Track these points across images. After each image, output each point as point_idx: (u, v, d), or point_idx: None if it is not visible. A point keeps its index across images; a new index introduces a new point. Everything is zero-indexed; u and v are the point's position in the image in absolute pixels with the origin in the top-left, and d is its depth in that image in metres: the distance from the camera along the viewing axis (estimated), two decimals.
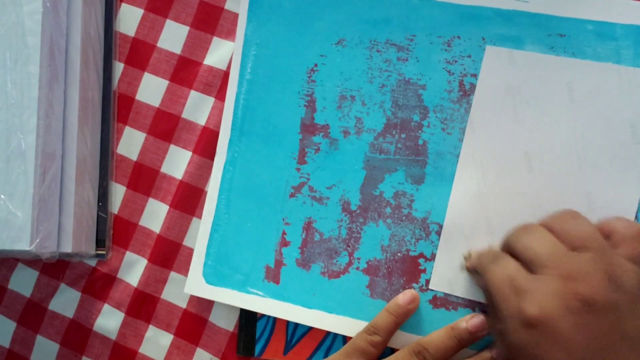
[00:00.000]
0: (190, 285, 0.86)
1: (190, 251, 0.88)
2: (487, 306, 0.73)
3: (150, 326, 0.89)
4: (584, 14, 0.77)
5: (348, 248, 0.81)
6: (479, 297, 0.77)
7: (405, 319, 0.78)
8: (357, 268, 0.81)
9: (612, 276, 0.63)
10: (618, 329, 0.62)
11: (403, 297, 0.78)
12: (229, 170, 0.86)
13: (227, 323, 0.87)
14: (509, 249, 0.71)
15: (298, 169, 0.83)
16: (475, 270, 0.74)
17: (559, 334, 0.63)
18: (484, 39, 0.79)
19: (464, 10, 0.80)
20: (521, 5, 0.79)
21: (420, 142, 0.80)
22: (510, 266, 0.69)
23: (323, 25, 0.84)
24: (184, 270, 0.88)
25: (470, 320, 0.75)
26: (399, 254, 0.80)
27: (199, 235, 0.86)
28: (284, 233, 0.83)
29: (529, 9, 0.78)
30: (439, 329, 0.76)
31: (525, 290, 0.65)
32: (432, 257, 0.79)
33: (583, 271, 0.64)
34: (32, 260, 0.92)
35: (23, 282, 0.93)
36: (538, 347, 0.64)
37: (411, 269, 0.79)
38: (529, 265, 0.67)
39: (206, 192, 0.88)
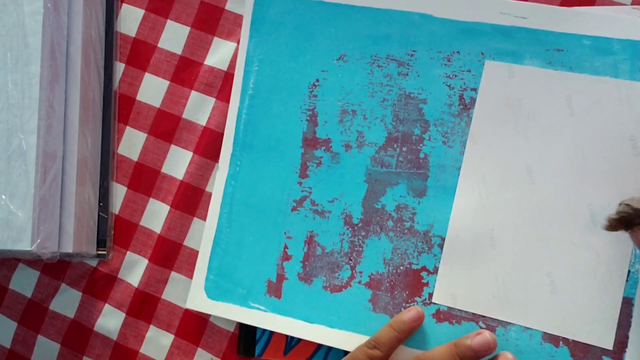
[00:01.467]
0: (192, 300, 0.86)
1: (191, 251, 0.88)
2: None
3: (151, 326, 0.89)
4: (580, 30, 0.77)
5: (350, 262, 0.81)
6: (484, 311, 0.77)
7: (408, 336, 0.78)
8: (360, 282, 0.81)
9: None
10: None
11: (408, 314, 0.77)
12: (231, 184, 0.86)
13: (227, 323, 0.87)
14: None
15: (300, 183, 0.83)
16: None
17: None
18: (483, 53, 0.79)
19: (463, 26, 0.80)
20: (519, 21, 0.78)
21: (422, 155, 0.80)
22: None
23: (324, 41, 0.84)
24: (185, 270, 0.88)
25: (475, 338, 0.73)
26: (401, 268, 0.80)
27: (201, 249, 0.86)
28: (285, 247, 0.83)
29: (527, 24, 0.78)
30: (441, 345, 0.75)
31: None
32: (435, 271, 0.79)
33: None
34: (33, 261, 0.93)
35: (24, 282, 0.93)
36: None
37: (414, 282, 0.79)
38: None
39: (207, 193, 0.88)
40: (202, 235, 0.87)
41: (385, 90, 0.82)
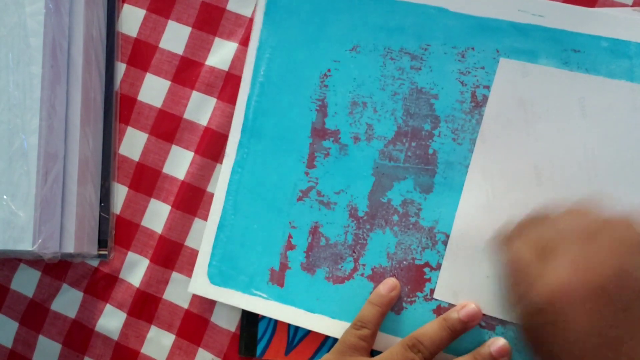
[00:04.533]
0: (194, 284, 0.86)
1: (192, 251, 0.88)
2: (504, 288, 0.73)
3: (152, 326, 0.89)
4: (598, 31, 0.76)
5: (353, 254, 0.81)
6: (484, 309, 0.77)
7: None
8: (362, 274, 0.81)
9: (623, 266, 0.62)
10: (632, 319, 0.61)
11: (384, 287, 0.79)
12: (237, 171, 0.86)
13: (228, 323, 0.87)
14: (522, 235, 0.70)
15: (307, 173, 0.83)
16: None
17: (570, 319, 0.62)
18: (498, 51, 0.79)
19: (479, 22, 0.80)
20: (537, 19, 0.78)
21: (430, 151, 0.80)
22: (523, 251, 0.68)
23: (338, 31, 0.84)
24: (186, 270, 0.88)
25: (461, 311, 0.75)
26: (404, 262, 0.80)
27: (205, 235, 0.86)
28: (290, 236, 0.83)
29: (544, 23, 0.78)
30: (431, 321, 0.76)
31: (536, 276, 0.64)
32: (438, 267, 0.79)
33: (597, 260, 0.63)
34: (34, 261, 0.92)
35: (25, 282, 0.93)
36: (546, 331, 0.63)
37: (416, 277, 0.79)
38: (542, 252, 0.66)
39: (208, 193, 0.88)
40: (207, 221, 0.87)
41: (397, 83, 0.82)
